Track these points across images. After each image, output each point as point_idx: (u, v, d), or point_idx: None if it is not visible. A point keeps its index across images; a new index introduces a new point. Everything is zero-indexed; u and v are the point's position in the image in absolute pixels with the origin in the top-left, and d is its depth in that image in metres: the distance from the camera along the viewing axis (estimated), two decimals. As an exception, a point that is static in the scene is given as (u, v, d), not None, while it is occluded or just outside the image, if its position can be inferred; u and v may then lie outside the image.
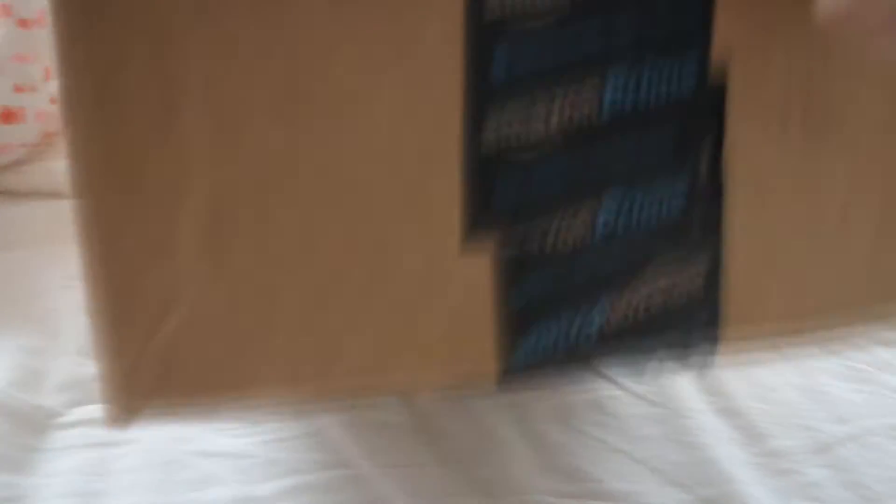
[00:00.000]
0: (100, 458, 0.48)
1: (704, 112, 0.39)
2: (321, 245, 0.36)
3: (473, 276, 0.37)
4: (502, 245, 0.37)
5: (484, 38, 0.35)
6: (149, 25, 0.32)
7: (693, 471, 0.51)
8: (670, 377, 0.59)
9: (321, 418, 0.52)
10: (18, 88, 0.69)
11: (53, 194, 0.73)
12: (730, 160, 0.39)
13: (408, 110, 0.35)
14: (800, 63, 0.39)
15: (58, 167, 0.75)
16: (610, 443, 0.53)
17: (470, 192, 0.37)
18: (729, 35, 0.38)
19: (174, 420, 0.37)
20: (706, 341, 0.41)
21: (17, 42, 0.70)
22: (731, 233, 0.40)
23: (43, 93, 0.73)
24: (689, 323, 0.41)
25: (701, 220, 0.40)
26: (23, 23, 0.70)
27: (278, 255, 0.36)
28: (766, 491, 0.50)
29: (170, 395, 0.36)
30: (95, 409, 0.51)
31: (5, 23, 0.69)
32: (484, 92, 0.35)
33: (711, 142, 0.39)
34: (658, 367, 0.42)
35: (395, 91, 0.35)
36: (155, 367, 0.36)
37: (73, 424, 0.51)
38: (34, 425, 0.50)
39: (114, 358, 0.35)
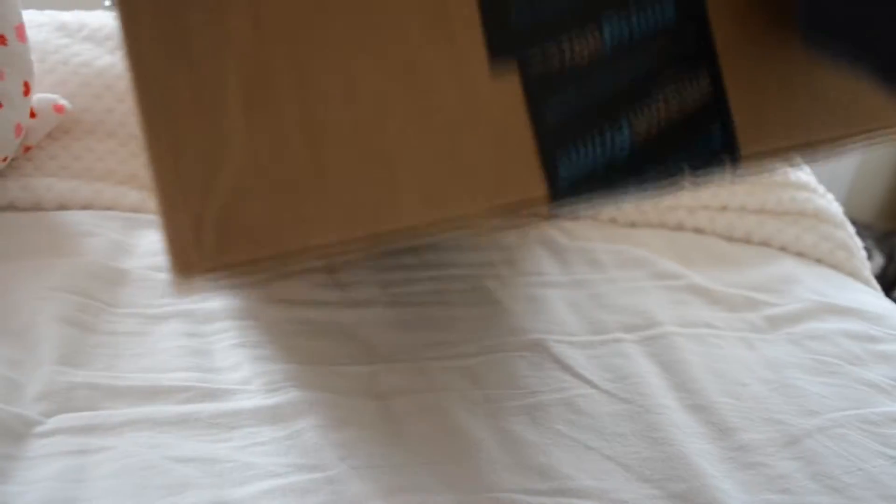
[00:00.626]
0: (78, 465, 0.49)
1: None
2: (359, 84, 0.38)
3: (506, 97, 0.40)
4: (527, 64, 0.40)
5: None
6: None
7: (663, 466, 0.52)
8: (640, 373, 0.60)
9: (296, 422, 0.53)
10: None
11: (33, 208, 0.74)
12: None
13: None
14: None
15: (37, 182, 0.76)
16: (581, 440, 0.53)
17: (488, 14, 0.39)
18: None
19: (237, 285, 0.38)
20: (727, 155, 0.44)
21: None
22: (724, 48, 0.43)
23: (22, 108, 0.73)
24: (707, 137, 0.43)
25: (695, 33, 0.42)
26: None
27: (320, 99, 0.38)
28: (736, 484, 0.51)
29: (232, 252, 0.38)
30: (74, 418, 0.52)
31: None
32: None
33: None
34: (687, 180, 0.43)
35: None
36: (215, 224, 0.37)
37: (51, 433, 0.51)
38: (13, 434, 0.51)
39: (175, 216, 0.37)
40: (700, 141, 0.43)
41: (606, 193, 0.42)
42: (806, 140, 0.45)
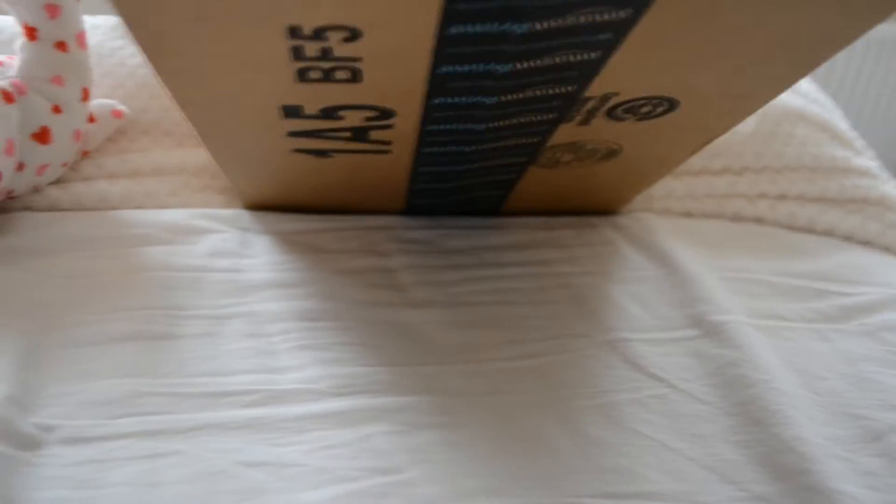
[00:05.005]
0: (149, 469, 0.49)
1: None
2: None
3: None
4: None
5: None
6: None
7: (746, 468, 0.50)
8: (713, 371, 0.58)
9: (366, 426, 0.52)
10: (56, 110, 0.71)
11: (92, 208, 0.74)
12: None
13: None
14: None
15: (94, 185, 0.76)
16: (660, 441, 0.52)
17: None
18: None
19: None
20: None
21: (53, 64, 0.71)
22: None
23: (81, 114, 0.74)
24: None
25: None
26: (60, 45, 0.72)
27: None
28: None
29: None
30: (143, 422, 0.52)
31: (36, 46, 0.71)
32: None
33: None
34: None
35: None
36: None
37: (121, 437, 0.51)
38: (79, 439, 0.51)
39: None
40: None
41: None
42: None
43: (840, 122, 0.95)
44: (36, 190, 0.74)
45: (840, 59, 1.83)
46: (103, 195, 0.75)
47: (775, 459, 0.51)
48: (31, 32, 0.72)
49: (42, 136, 0.71)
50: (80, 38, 0.75)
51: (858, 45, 1.79)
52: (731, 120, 0.61)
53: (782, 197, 0.86)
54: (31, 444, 0.49)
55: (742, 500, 0.48)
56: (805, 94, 0.96)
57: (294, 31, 0.44)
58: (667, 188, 0.83)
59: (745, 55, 0.49)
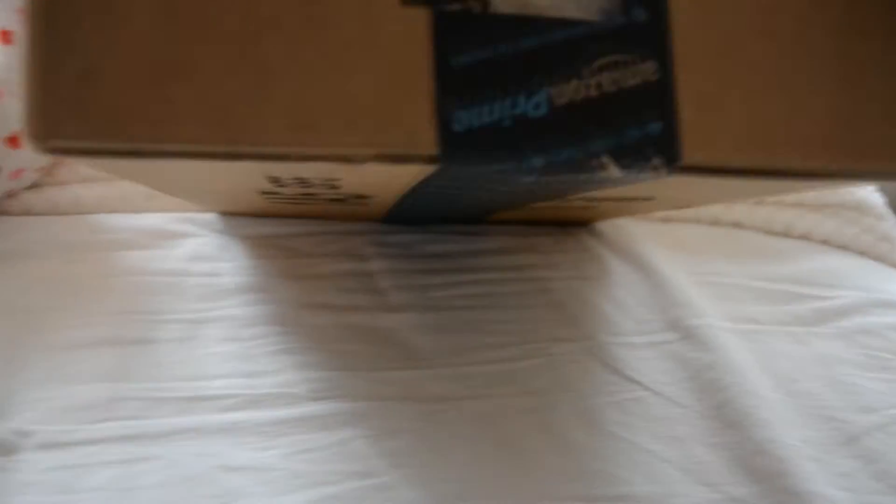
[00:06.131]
0: (125, 474, 0.49)
1: None
2: None
3: (413, 34, 0.35)
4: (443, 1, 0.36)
5: None
6: None
7: (722, 470, 0.51)
8: (690, 375, 0.58)
9: (343, 430, 0.52)
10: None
11: (64, 213, 0.74)
12: None
13: None
14: None
15: (66, 189, 0.76)
16: (637, 444, 0.52)
17: None
18: None
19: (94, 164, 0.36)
20: (662, 156, 0.38)
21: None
22: (678, 34, 0.38)
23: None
24: (641, 130, 0.38)
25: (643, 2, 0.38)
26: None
27: None
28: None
29: (84, 133, 0.34)
30: (119, 427, 0.52)
31: (4, 50, 0.70)
32: None
33: None
34: (599, 168, 0.38)
35: None
36: (66, 105, 0.33)
37: (96, 442, 0.51)
38: (55, 445, 0.50)
39: (34, 87, 0.33)
40: (631, 131, 0.38)
41: (509, 160, 0.37)
42: (772, 165, 0.39)
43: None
44: (10, 195, 0.74)
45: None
46: (78, 199, 0.75)
47: (751, 462, 0.51)
48: (5, 35, 0.72)
49: (14, 140, 0.70)
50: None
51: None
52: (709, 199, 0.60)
53: (760, 202, 0.87)
54: (7, 450, 0.49)
55: (718, 503, 0.48)
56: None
57: (275, 180, 0.44)
58: (645, 193, 0.84)
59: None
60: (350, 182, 0.45)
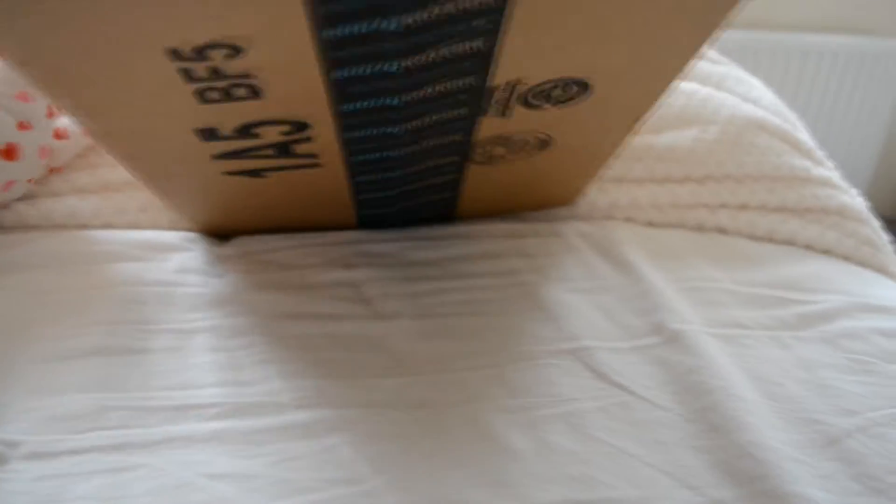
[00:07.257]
0: (114, 483, 0.49)
1: None
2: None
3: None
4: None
5: None
6: None
7: (705, 473, 0.51)
8: (674, 379, 0.59)
9: (329, 437, 0.53)
10: (22, 126, 0.71)
11: (58, 226, 0.74)
12: None
13: None
14: None
15: (61, 201, 0.76)
16: (621, 448, 0.53)
17: None
18: None
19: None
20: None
21: (18, 80, 0.71)
22: None
23: (46, 130, 0.74)
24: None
25: None
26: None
27: None
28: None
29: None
30: (107, 436, 0.52)
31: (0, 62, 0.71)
32: None
33: None
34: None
35: None
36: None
37: (85, 451, 0.51)
38: (44, 454, 0.51)
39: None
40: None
41: None
42: None
43: (801, 133, 0.97)
44: (2, 206, 0.74)
45: (803, 70, 1.86)
46: (72, 211, 0.75)
47: (734, 465, 0.51)
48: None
49: (8, 152, 0.70)
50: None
51: (822, 57, 1.83)
52: (650, 97, 0.62)
53: (743, 207, 0.87)
54: (-5, 460, 0.49)
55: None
56: (767, 107, 0.98)
57: (175, 53, 0.45)
58: (630, 197, 0.84)
59: (639, 26, 0.50)
60: (257, 58, 0.46)
